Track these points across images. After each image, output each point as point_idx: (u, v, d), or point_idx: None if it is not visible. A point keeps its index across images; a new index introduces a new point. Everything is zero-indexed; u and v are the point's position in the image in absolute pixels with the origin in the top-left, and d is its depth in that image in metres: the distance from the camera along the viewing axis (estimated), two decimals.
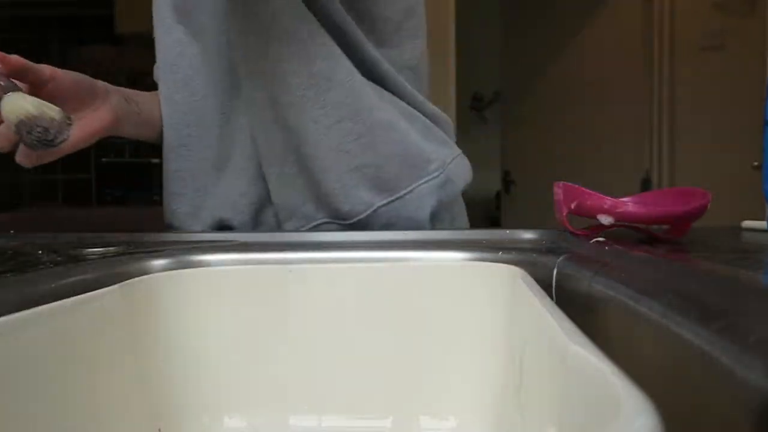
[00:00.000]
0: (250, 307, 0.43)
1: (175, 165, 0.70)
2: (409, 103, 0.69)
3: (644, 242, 0.42)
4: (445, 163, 0.68)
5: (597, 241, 0.42)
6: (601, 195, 0.43)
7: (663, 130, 2.38)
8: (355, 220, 0.64)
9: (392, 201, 0.64)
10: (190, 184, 0.70)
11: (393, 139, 0.64)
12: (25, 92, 0.52)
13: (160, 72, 0.72)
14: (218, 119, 0.67)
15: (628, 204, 0.43)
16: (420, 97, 0.71)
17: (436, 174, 0.66)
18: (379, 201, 0.64)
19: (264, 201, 0.68)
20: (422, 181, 0.66)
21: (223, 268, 0.44)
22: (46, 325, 0.30)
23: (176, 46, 0.70)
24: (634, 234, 0.46)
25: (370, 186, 0.64)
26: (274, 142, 0.64)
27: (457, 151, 0.72)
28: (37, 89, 0.55)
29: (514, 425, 0.35)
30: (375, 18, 0.65)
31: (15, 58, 0.53)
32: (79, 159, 2.44)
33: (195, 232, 0.59)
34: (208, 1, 0.66)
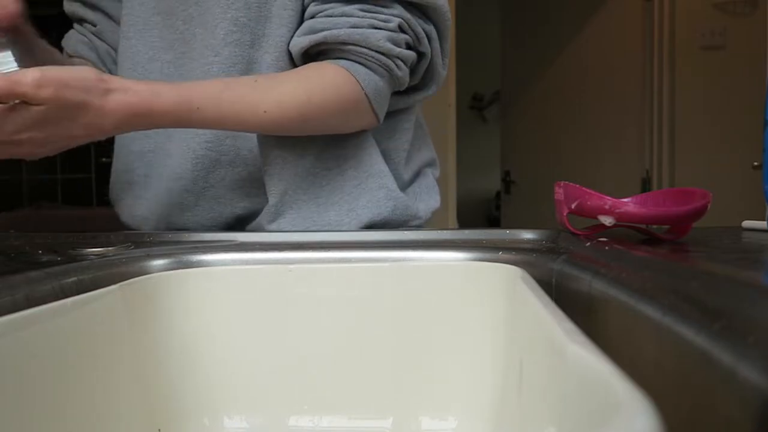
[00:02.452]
0: (250, 307, 0.43)
1: (145, 170, 0.70)
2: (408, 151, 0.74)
3: (645, 242, 0.42)
4: (426, 218, 0.73)
5: (597, 242, 0.42)
6: (602, 195, 0.43)
7: (663, 130, 2.38)
8: None
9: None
10: (152, 188, 0.70)
11: (385, 195, 0.68)
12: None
13: (125, 73, 0.71)
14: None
15: (629, 204, 0.43)
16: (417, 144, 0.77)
17: (415, 227, 0.72)
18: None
19: (229, 214, 0.69)
20: (403, 228, 0.70)
21: (223, 268, 0.44)
22: (46, 325, 0.30)
23: (149, 51, 0.69)
24: (634, 234, 0.46)
25: (358, 223, 0.67)
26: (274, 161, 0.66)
27: (436, 192, 0.77)
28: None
29: (514, 425, 0.35)
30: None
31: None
32: (79, 159, 2.44)
33: (194, 232, 0.59)
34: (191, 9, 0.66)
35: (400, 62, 0.62)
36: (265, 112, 0.57)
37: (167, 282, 0.42)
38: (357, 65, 0.61)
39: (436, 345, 0.42)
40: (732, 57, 2.27)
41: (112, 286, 0.37)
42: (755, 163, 1.87)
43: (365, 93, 0.61)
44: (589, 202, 0.43)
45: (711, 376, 0.19)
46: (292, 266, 0.43)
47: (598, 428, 0.17)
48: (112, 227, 0.65)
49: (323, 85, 0.60)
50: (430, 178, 0.78)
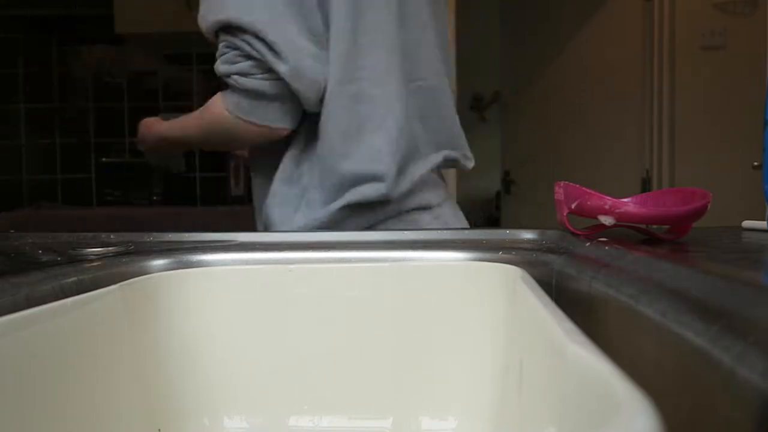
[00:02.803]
0: (249, 307, 0.43)
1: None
2: None
3: (645, 242, 0.42)
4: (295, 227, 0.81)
5: (597, 242, 0.42)
6: (602, 195, 0.43)
7: (663, 130, 2.38)
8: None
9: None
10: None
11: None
12: None
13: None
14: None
15: (629, 204, 0.43)
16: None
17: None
18: None
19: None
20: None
21: (223, 268, 0.44)
22: (46, 325, 0.30)
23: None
24: (634, 234, 0.46)
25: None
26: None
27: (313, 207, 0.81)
28: None
29: (514, 425, 0.35)
30: None
31: None
32: (79, 159, 2.44)
33: (194, 232, 0.59)
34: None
35: (237, 76, 0.76)
36: (182, 133, 0.89)
37: (167, 282, 0.42)
38: (226, 89, 0.79)
39: (436, 345, 0.42)
40: (732, 57, 2.27)
41: (112, 286, 0.37)
42: (755, 163, 1.87)
43: (226, 109, 0.78)
44: (589, 202, 0.43)
45: (711, 376, 0.19)
46: (292, 266, 0.43)
47: (598, 428, 0.17)
48: (112, 227, 0.65)
49: (204, 111, 0.82)
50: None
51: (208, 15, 0.76)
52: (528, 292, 0.33)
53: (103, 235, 0.55)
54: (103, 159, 2.33)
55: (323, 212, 0.77)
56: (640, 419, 0.14)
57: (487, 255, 0.44)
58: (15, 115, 2.46)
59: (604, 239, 0.43)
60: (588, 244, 0.42)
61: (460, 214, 0.88)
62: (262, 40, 0.74)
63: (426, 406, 0.42)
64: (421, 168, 0.80)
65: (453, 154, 0.84)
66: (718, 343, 0.19)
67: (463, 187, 3.27)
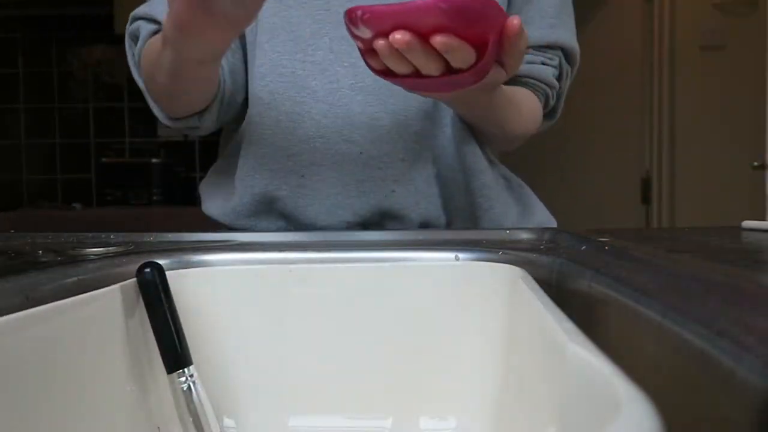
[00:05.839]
0: (250, 307, 0.43)
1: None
2: None
3: (644, 243, 0.42)
4: None
5: (597, 241, 0.42)
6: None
7: (663, 130, 2.38)
8: None
9: None
10: None
11: None
12: None
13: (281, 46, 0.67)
14: None
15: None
16: None
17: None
18: None
19: None
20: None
21: (223, 268, 0.44)
22: (46, 325, 0.30)
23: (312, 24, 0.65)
24: (635, 234, 0.46)
25: None
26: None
27: None
28: None
29: (514, 425, 0.35)
30: None
31: None
32: (79, 159, 2.44)
33: (194, 232, 0.59)
34: None
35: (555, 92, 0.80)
36: None
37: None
38: None
39: (436, 345, 0.42)
40: (732, 57, 2.27)
41: (112, 286, 0.37)
42: (755, 163, 1.87)
43: None
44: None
45: (711, 376, 0.19)
46: (292, 266, 0.43)
47: (598, 428, 0.17)
48: (111, 227, 0.65)
49: None
50: None
51: None
52: (528, 292, 0.33)
53: (103, 235, 0.55)
54: (103, 159, 2.33)
55: None
56: (640, 419, 0.14)
57: (487, 255, 0.44)
58: (15, 115, 2.46)
59: (605, 239, 0.43)
60: (588, 244, 0.42)
61: None
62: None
63: (426, 406, 0.42)
64: None
65: None
66: (718, 343, 0.19)
67: None
